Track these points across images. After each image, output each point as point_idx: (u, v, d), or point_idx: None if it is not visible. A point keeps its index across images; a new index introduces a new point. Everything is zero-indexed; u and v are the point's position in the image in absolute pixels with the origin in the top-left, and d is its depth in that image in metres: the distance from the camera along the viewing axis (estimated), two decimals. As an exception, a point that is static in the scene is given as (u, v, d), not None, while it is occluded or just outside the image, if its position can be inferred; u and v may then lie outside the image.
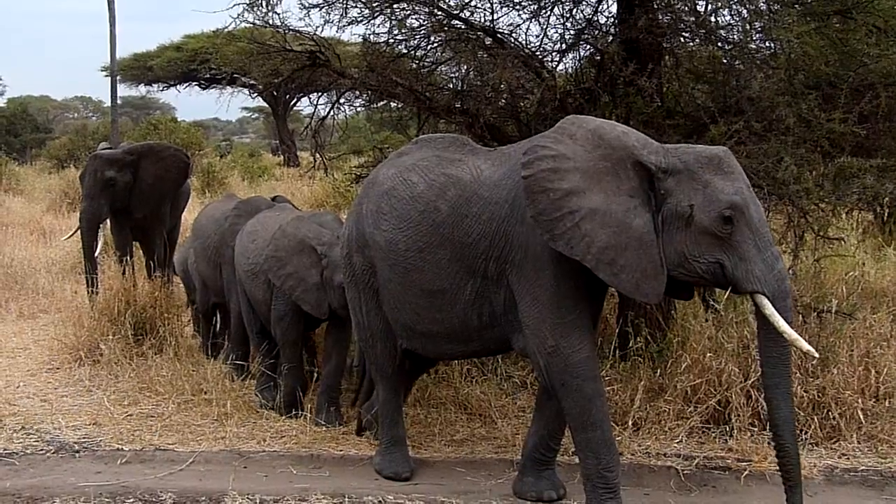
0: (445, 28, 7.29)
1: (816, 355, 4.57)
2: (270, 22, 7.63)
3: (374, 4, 7.24)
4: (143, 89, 36.77)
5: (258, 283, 7.01)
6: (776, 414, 4.55)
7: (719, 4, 6.68)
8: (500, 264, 4.85)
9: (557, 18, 7.30)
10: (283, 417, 6.72)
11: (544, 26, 7.30)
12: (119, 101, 25.53)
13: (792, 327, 4.49)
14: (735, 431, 6.03)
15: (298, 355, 6.94)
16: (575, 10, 7.27)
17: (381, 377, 5.71)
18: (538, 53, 7.30)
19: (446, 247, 5.01)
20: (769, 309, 4.43)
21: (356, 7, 7.31)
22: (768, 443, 5.90)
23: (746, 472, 5.58)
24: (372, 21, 7.37)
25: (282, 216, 7.19)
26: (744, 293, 4.60)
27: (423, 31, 7.39)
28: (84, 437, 6.40)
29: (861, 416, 6.09)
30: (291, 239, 6.68)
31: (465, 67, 7.56)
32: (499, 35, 7.24)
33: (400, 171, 5.33)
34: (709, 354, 6.32)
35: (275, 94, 30.61)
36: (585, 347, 4.72)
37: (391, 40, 7.48)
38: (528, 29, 7.45)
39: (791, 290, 4.65)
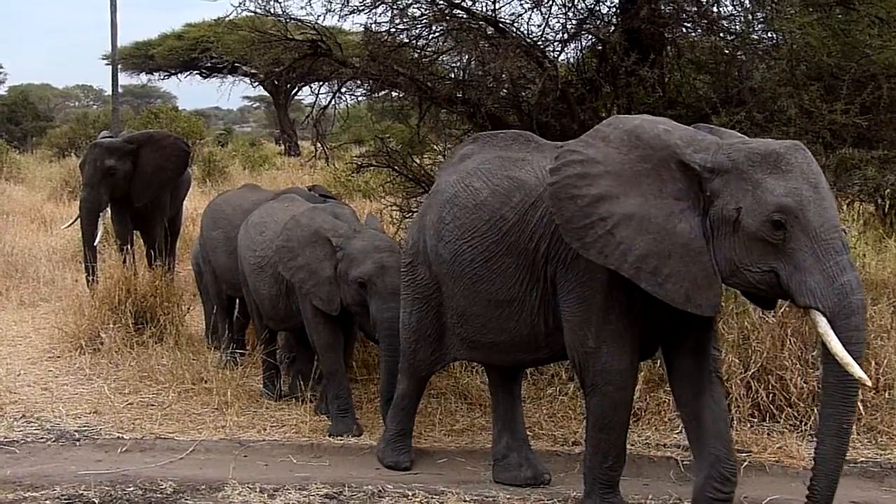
0: (447, 17, 7.29)
1: (869, 384, 4.16)
2: (272, 11, 7.67)
3: (376, -7, 7.24)
4: (143, 78, 36.79)
5: (264, 278, 6.77)
6: (817, 450, 4.12)
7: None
8: (555, 264, 4.63)
9: (559, 8, 7.31)
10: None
11: (546, 16, 7.30)
12: (120, 90, 25.45)
13: (860, 351, 4.00)
14: (735, 423, 6.02)
15: (338, 359, 6.39)
16: (577, -1, 7.27)
17: (411, 376, 5.54)
18: (540, 43, 7.30)
19: (513, 254, 4.75)
20: (822, 327, 3.97)
21: (357, -4, 7.31)
22: (767, 434, 5.94)
23: (745, 463, 5.56)
24: (373, 10, 7.39)
25: (291, 207, 6.94)
26: (799, 307, 4.16)
27: (424, 21, 7.39)
28: (84, 426, 6.40)
29: (861, 408, 6.08)
30: (305, 230, 6.35)
31: (467, 57, 7.55)
32: (500, 25, 7.23)
33: (462, 177, 5.04)
34: (709, 345, 6.31)
35: (276, 83, 30.53)
36: (625, 358, 4.51)
37: (392, 29, 7.48)
38: (529, 18, 7.50)
39: (864, 306, 4.08)
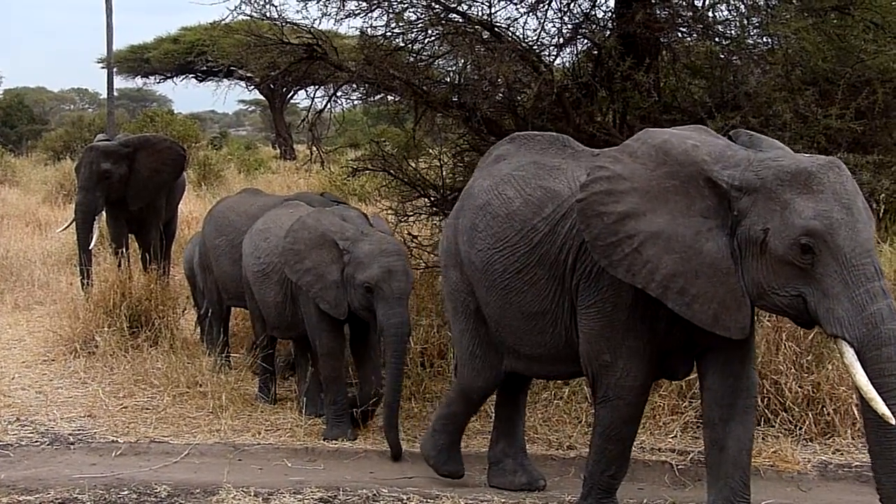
0: (443, 21, 7.29)
1: (893, 421, 3.70)
2: (268, 14, 7.65)
3: (372, -3, 7.24)
4: (139, 81, 36.85)
5: (269, 285, 6.66)
6: (878, 490, 3.90)
7: (717, -1, 6.70)
8: (578, 276, 4.56)
9: (555, 12, 7.32)
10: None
11: (542, 20, 7.31)
12: (115, 93, 25.46)
13: (894, 385, 3.75)
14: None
15: (338, 366, 6.32)
16: (572, 4, 7.29)
17: (463, 397, 5.35)
18: (535, 47, 7.31)
19: (544, 266, 4.66)
20: (848, 358, 3.78)
21: (353, 0, 7.31)
22: (762, 438, 5.94)
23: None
24: (369, 14, 7.39)
25: (296, 213, 6.75)
26: (828, 336, 3.93)
27: (420, 25, 7.38)
28: (79, 429, 6.40)
29: (855, 412, 6.08)
30: (312, 232, 6.22)
31: (463, 61, 7.55)
32: (496, 29, 7.23)
33: (495, 183, 4.94)
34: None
35: (272, 86, 30.54)
36: (640, 376, 4.45)
37: (388, 33, 7.48)
38: (525, 23, 7.48)
39: None
